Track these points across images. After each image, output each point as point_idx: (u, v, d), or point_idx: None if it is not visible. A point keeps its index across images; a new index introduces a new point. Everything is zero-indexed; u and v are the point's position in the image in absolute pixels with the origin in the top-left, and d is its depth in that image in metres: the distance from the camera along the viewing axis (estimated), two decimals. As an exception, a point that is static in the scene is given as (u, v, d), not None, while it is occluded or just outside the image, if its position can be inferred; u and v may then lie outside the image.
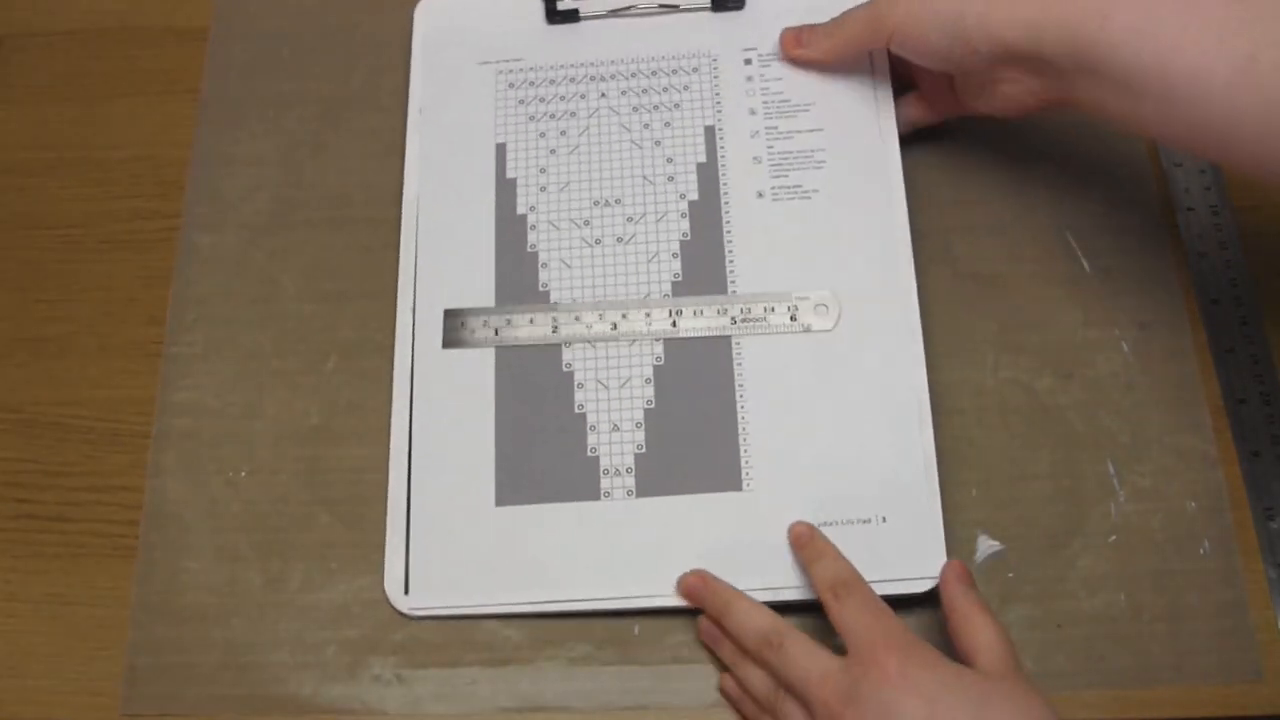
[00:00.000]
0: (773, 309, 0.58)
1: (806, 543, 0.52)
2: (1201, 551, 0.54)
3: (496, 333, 0.58)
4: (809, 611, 0.52)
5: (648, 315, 0.58)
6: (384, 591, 0.54)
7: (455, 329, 0.58)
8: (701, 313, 0.58)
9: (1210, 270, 0.61)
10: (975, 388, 0.58)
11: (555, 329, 0.58)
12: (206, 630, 0.53)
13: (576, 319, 0.58)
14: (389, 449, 0.56)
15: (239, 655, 0.53)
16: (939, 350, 0.58)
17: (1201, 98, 0.47)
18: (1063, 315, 0.60)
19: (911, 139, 0.63)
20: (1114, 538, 0.54)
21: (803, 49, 0.61)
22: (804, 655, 0.48)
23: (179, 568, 0.54)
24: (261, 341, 0.59)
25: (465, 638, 0.53)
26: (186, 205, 0.63)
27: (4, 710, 0.53)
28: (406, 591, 0.53)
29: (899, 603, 0.51)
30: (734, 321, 0.58)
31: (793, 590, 0.53)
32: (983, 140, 0.64)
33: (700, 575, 0.53)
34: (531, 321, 0.58)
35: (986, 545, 0.55)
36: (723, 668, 0.52)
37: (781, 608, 0.52)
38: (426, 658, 0.53)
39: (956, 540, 0.54)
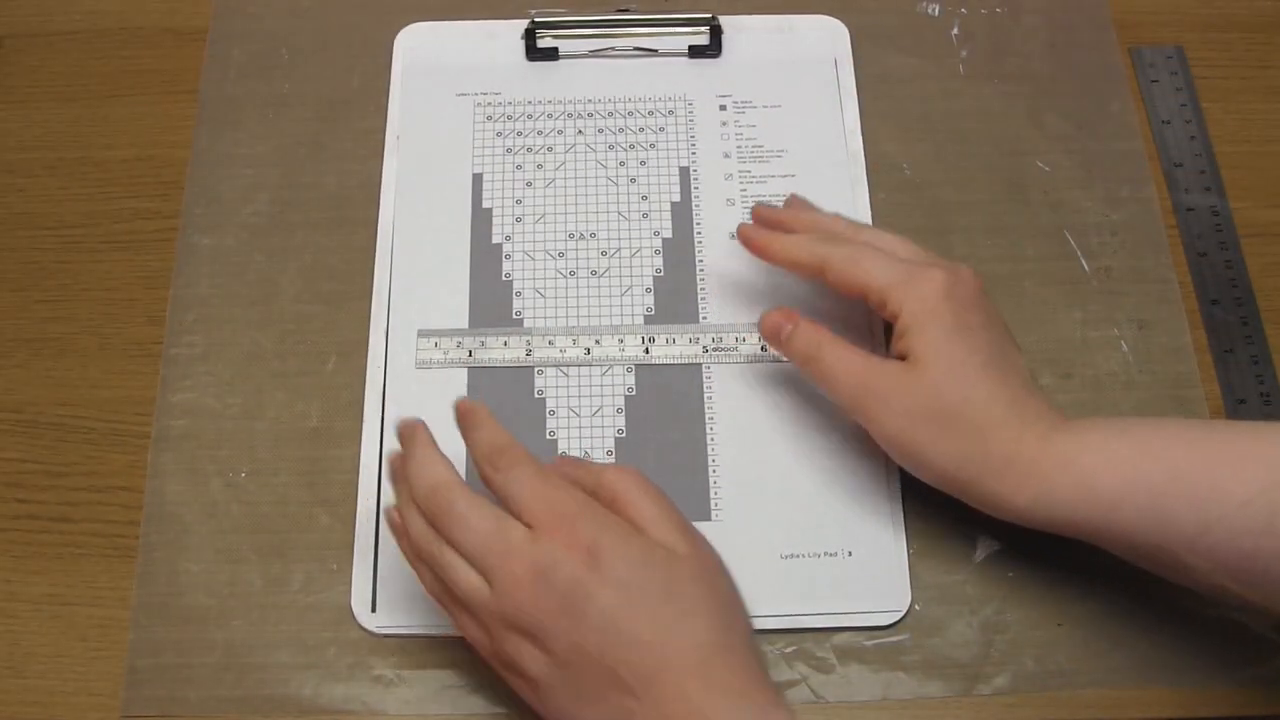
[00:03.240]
0: (744, 339, 0.58)
1: (465, 413, 0.49)
2: (1201, 551, 0.54)
3: (470, 354, 0.58)
4: (788, 640, 0.53)
5: (620, 341, 0.58)
6: (350, 608, 0.54)
7: (428, 349, 0.58)
8: (674, 340, 0.58)
9: (1210, 270, 0.61)
10: (975, 388, 0.58)
11: (529, 352, 0.58)
12: (207, 631, 0.53)
13: (550, 343, 0.58)
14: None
15: (239, 656, 0.53)
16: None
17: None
18: (1062, 315, 0.60)
19: (912, 137, 0.63)
20: (1114, 538, 0.54)
21: (784, 340, 0.54)
22: (480, 519, 0.45)
23: (179, 568, 0.54)
24: (261, 342, 0.59)
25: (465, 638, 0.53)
26: (185, 206, 0.63)
27: (4, 710, 0.52)
28: (374, 610, 0.53)
29: (865, 635, 0.52)
30: (705, 350, 0.58)
31: (766, 619, 0.52)
32: (983, 140, 0.64)
33: (404, 422, 0.49)
34: (505, 344, 0.58)
35: (986, 545, 0.55)
36: None
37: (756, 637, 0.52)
38: (427, 658, 0.53)
39: (956, 539, 0.55)
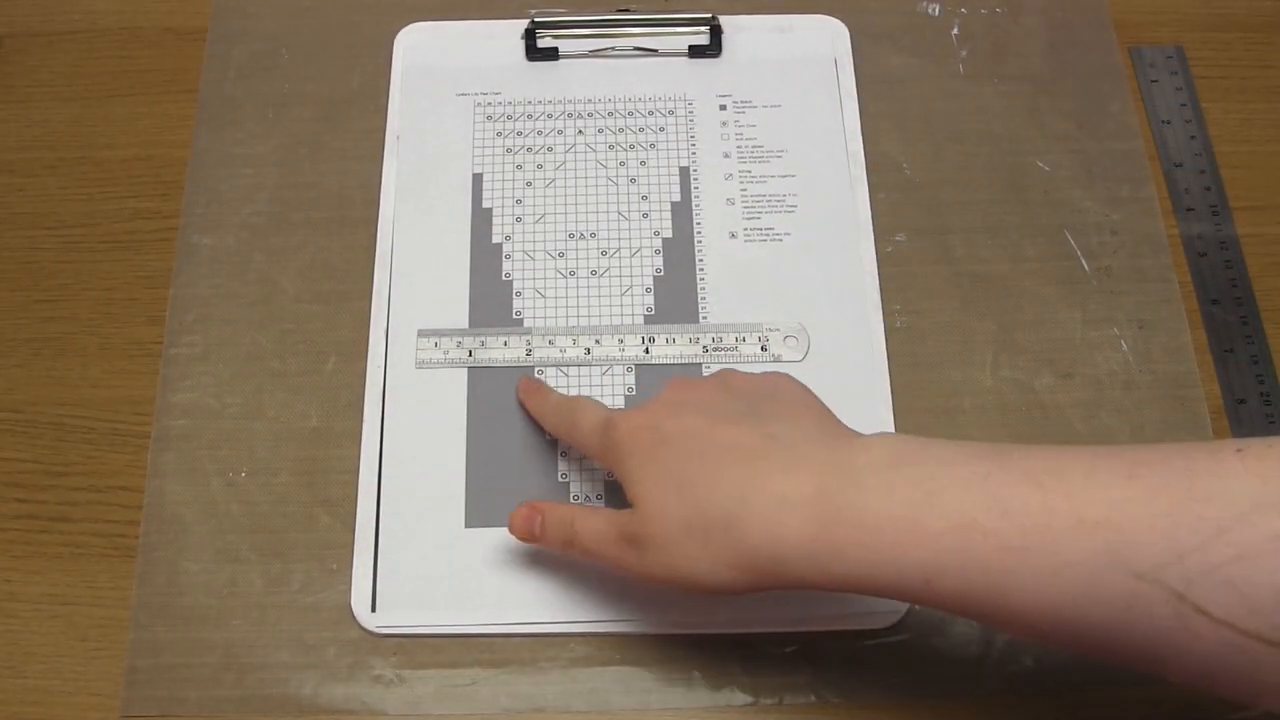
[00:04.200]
0: (744, 339, 0.58)
1: (533, 391, 0.56)
2: (1201, 551, 0.54)
3: (470, 354, 0.58)
4: (788, 640, 0.53)
5: (621, 341, 0.58)
6: (351, 608, 0.54)
7: (428, 349, 0.58)
8: (674, 340, 0.58)
9: (1210, 270, 0.61)
10: (975, 387, 0.58)
11: (529, 352, 0.58)
12: (207, 631, 0.53)
13: (550, 343, 0.58)
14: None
15: (239, 656, 0.53)
16: (939, 350, 0.59)
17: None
18: (1062, 315, 0.60)
19: (912, 137, 0.63)
20: (1114, 538, 0.54)
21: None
22: (596, 407, 0.51)
23: (179, 568, 0.54)
24: (261, 342, 0.59)
25: (466, 638, 0.53)
26: (185, 206, 0.63)
27: (4, 710, 0.52)
28: (374, 609, 0.53)
29: (863, 637, 0.53)
30: (705, 350, 0.58)
31: (761, 624, 0.52)
32: (983, 140, 0.64)
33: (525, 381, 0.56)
34: (505, 344, 0.58)
35: (986, 545, 0.55)
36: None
37: (755, 640, 0.52)
38: (427, 658, 0.53)
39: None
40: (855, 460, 0.42)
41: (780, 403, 0.46)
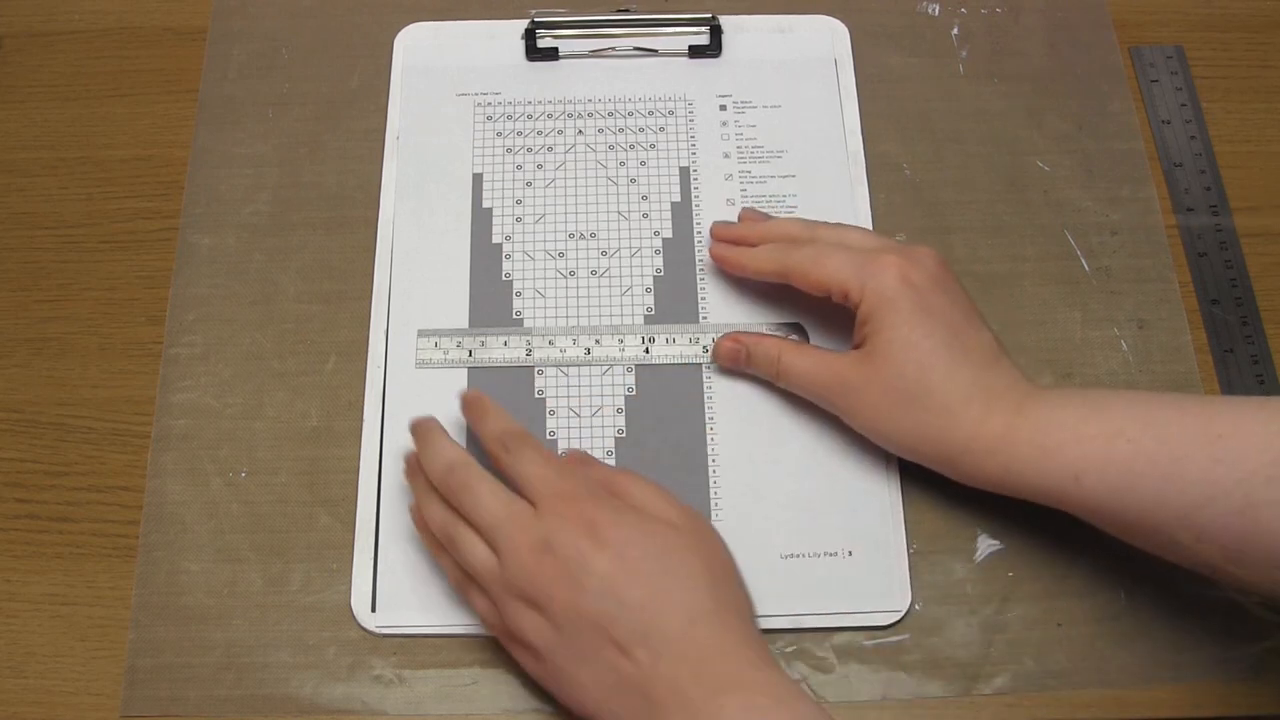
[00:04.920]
0: None
1: (472, 403, 0.54)
2: (1201, 551, 0.54)
3: (470, 354, 0.58)
4: (788, 640, 0.53)
5: (621, 341, 0.58)
6: (351, 608, 0.54)
7: (428, 349, 0.58)
8: (674, 340, 0.58)
9: (1210, 270, 0.61)
10: (975, 388, 0.58)
11: (529, 352, 0.58)
12: (207, 631, 0.53)
13: (550, 343, 0.58)
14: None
15: (239, 656, 0.53)
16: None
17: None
18: (1062, 315, 0.60)
19: (912, 137, 0.63)
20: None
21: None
22: (491, 495, 0.49)
23: (179, 568, 0.54)
24: (261, 342, 0.59)
25: (466, 638, 0.53)
26: (185, 205, 0.63)
27: (4, 710, 0.52)
28: (374, 609, 0.53)
29: (865, 634, 0.53)
30: (705, 350, 0.58)
31: (766, 619, 0.53)
32: (983, 140, 0.64)
33: (416, 419, 0.53)
34: (505, 344, 0.58)
35: (986, 545, 0.55)
36: None
37: None
38: (427, 658, 0.53)
39: (956, 539, 0.55)
40: (1037, 386, 0.51)
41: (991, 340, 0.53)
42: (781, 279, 0.55)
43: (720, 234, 0.59)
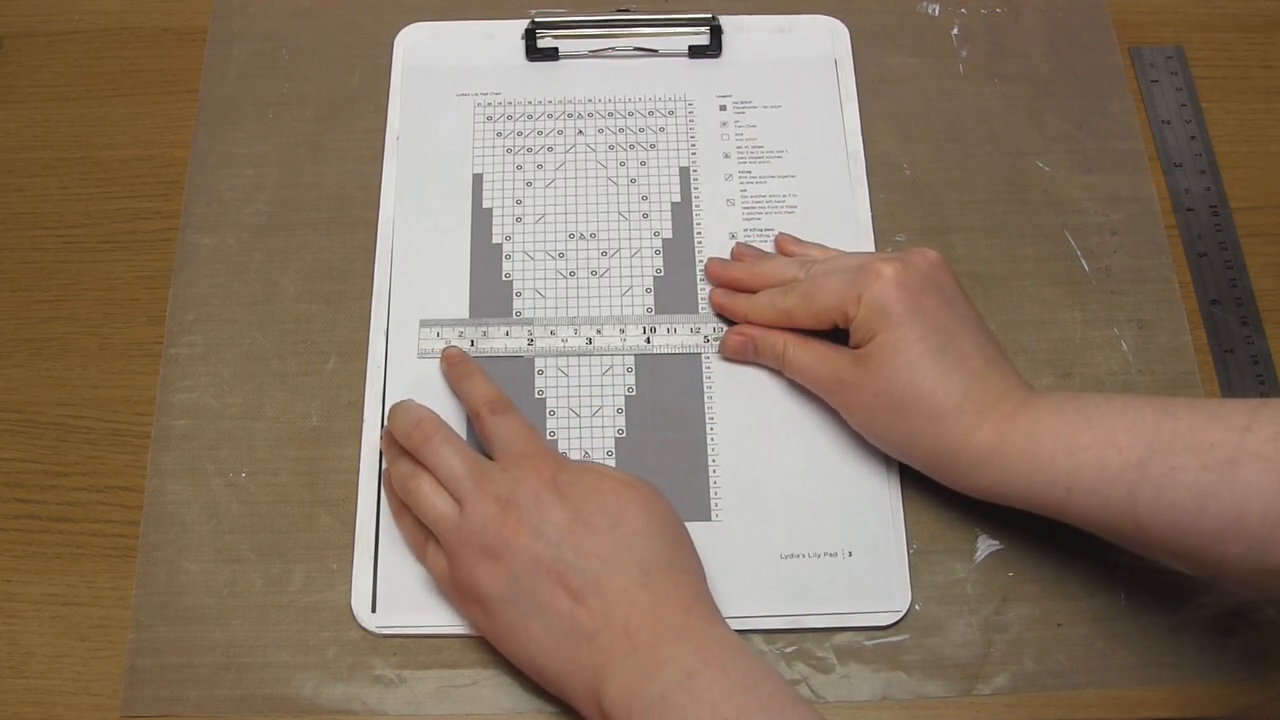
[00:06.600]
0: None
1: (457, 362, 0.56)
2: (1201, 551, 0.54)
3: (472, 344, 0.58)
4: (788, 640, 0.53)
5: (622, 331, 0.58)
6: (351, 608, 0.54)
7: (430, 339, 0.58)
8: (675, 330, 0.59)
9: (1210, 270, 0.61)
10: (975, 388, 0.58)
11: (531, 342, 0.58)
12: (207, 631, 0.53)
13: (552, 333, 0.59)
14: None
15: (240, 656, 0.53)
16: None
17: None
18: (1062, 315, 0.60)
19: (912, 137, 0.63)
20: (1114, 538, 0.54)
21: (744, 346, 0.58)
22: (455, 449, 0.51)
23: (179, 568, 0.54)
24: (261, 342, 0.59)
25: (466, 638, 0.53)
26: (185, 206, 0.63)
27: (4, 710, 0.52)
28: (374, 610, 0.53)
29: (865, 635, 0.53)
30: (706, 340, 0.58)
31: (766, 619, 0.53)
32: (983, 140, 0.64)
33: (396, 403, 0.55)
34: (507, 334, 0.59)
35: (986, 545, 0.55)
36: None
37: (755, 640, 0.52)
38: (427, 658, 0.53)
39: (956, 539, 0.55)
40: (1033, 391, 0.51)
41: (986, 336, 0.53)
42: (785, 324, 0.56)
43: (717, 278, 0.59)
